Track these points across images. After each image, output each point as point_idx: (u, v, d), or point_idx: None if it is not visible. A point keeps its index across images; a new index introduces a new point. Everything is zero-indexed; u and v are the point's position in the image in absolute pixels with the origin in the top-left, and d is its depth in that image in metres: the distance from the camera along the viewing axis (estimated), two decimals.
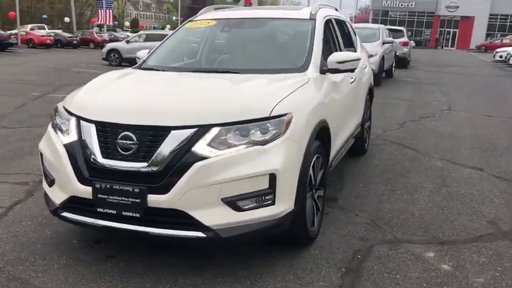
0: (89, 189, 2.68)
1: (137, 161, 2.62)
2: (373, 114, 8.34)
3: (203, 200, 2.55)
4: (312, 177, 3.12)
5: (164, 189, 2.54)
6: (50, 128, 3.08)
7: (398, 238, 3.43)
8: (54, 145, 2.90)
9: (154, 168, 2.58)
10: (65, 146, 2.83)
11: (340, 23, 4.97)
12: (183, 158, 2.55)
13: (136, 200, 2.58)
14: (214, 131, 2.61)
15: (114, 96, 3.08)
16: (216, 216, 2.57)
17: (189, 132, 2.59)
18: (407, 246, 3.27)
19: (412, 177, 4.86)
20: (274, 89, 3.04)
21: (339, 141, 3.97)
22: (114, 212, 2.65)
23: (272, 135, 2.68)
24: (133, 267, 2.90)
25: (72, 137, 2.83)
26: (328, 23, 4.28)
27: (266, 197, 2.65)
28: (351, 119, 4.58)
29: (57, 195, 2.88)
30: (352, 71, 3.78)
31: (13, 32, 33.60)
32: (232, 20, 4.39)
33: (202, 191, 2.54)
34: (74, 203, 2.81)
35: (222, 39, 4.35)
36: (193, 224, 2.57)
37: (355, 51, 5.29)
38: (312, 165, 3.06)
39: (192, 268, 2.89)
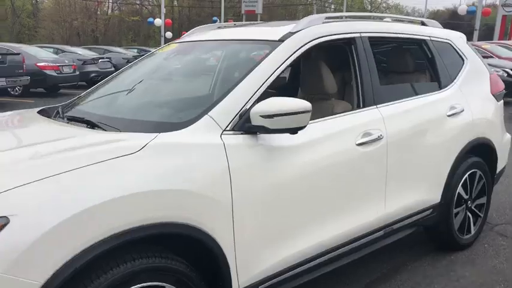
0: None
1: None
2: None
3: None
4: None
5: None
6: None
7: None
8: None
9: None
10: None
11: (391, 44, 3.18)
12: None
13: None
14: None
15: None
16: None
17: None
18: None
19: None
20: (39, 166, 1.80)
21: (301, 242, 2.33)
22: None
23: None
24: None
25: None
26: (323, 48, 2.67)
27: None
28: (372, 201, 2.71)
29: None
30: (293, 131, 2.14)
31: None
32: (192, 42, 3.03)
33: None
34: None
35: (146, 71, 3.08)
36: None
37: (440, 88, 3.33)
38: None
39: None
